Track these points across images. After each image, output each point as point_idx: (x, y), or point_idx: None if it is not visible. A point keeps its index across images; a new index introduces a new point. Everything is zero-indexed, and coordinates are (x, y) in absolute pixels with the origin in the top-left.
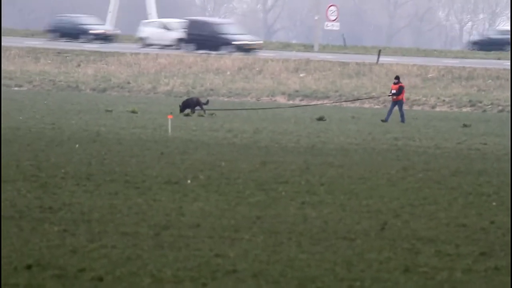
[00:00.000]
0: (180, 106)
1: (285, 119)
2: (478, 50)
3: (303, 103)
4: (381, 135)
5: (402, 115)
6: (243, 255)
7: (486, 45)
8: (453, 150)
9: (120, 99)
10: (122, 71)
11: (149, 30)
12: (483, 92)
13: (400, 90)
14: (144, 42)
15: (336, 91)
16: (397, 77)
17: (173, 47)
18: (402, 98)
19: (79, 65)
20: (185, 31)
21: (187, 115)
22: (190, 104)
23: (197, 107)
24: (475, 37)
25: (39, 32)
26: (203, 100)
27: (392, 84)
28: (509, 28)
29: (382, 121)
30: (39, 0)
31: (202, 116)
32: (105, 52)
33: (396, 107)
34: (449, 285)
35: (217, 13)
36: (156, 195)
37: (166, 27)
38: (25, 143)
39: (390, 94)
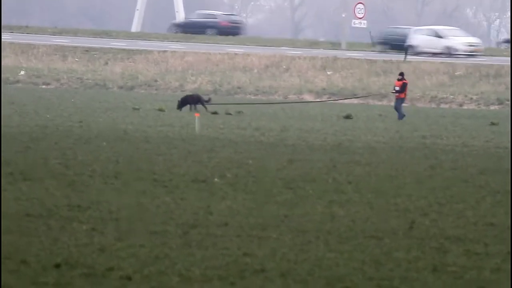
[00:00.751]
0: (178, 101)
1: (312, 117)
2: (181, 32)
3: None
4: (408, 133)
5: (399, 113)
6: (271, 254)
7: (189, 28)
8: (481, 148)
9: (147, 97)
10: (149, 69)
11: (420, 38)
12: (511, 90)
13: (404, 87)
14: (414, 50)
15: (364, 89)
16: (401, 74)
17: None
18: (404, 96)
19: (106, 63)
20: None
21: (215, 113)
22: (189, 101)
23: (199, 104)
24: (178, 20)
25: (67, 30)
26: (205, 97)
27: (396, 81)
28: (209, 12)
29: (403, 117)
30: None
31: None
32: (132, 50)
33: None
34: (478, 284)
35: (244, 11)
36: (184, 193)
37: (437, 35)
38: (53, 141)
39: (394, 91)
